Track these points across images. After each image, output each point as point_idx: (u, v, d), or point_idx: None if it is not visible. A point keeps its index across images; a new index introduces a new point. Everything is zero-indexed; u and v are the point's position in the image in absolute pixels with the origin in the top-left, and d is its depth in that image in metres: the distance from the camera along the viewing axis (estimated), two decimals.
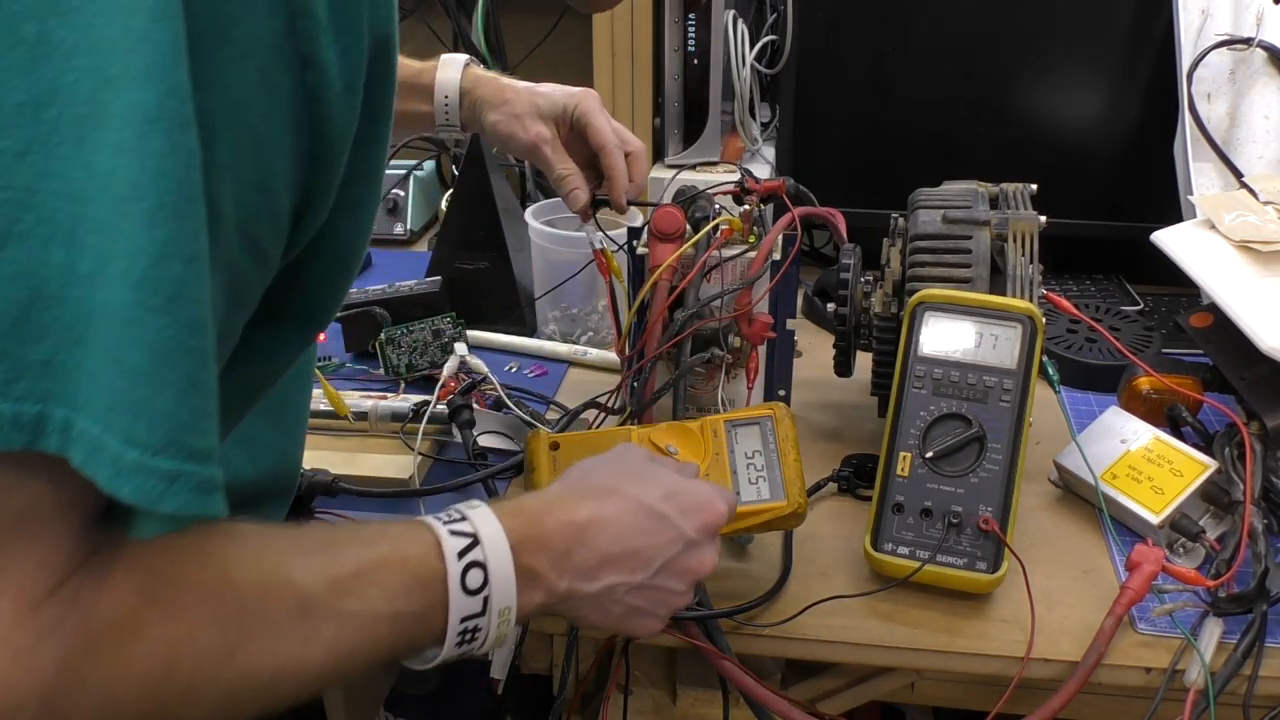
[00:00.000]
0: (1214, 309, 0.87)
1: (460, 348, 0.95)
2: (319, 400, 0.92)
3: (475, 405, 0.87)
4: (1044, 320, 0.75)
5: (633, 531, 0.58)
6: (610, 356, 0.99)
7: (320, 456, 0.89)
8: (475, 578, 0.51)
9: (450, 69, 0.90)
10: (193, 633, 0.43)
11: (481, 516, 0.53)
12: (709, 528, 0.61)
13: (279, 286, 0.48)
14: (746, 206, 0.86)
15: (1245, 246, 0.85)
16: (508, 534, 0.53)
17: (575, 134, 0.89)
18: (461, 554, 0.51)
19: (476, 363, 0.91)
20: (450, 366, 0.92)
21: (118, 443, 0.37)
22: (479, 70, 0.91)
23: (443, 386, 0.90)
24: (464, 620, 0.51)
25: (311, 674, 0.47)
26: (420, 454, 0.89)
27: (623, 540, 0.57)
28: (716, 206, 0.86)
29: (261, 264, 0.46)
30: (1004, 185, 0.87)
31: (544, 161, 0.89)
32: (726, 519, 0.63)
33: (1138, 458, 0.82)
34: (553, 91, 0.90)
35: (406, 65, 0.87)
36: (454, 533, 0.51)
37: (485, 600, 0.51)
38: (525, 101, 0.88)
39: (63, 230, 0.37)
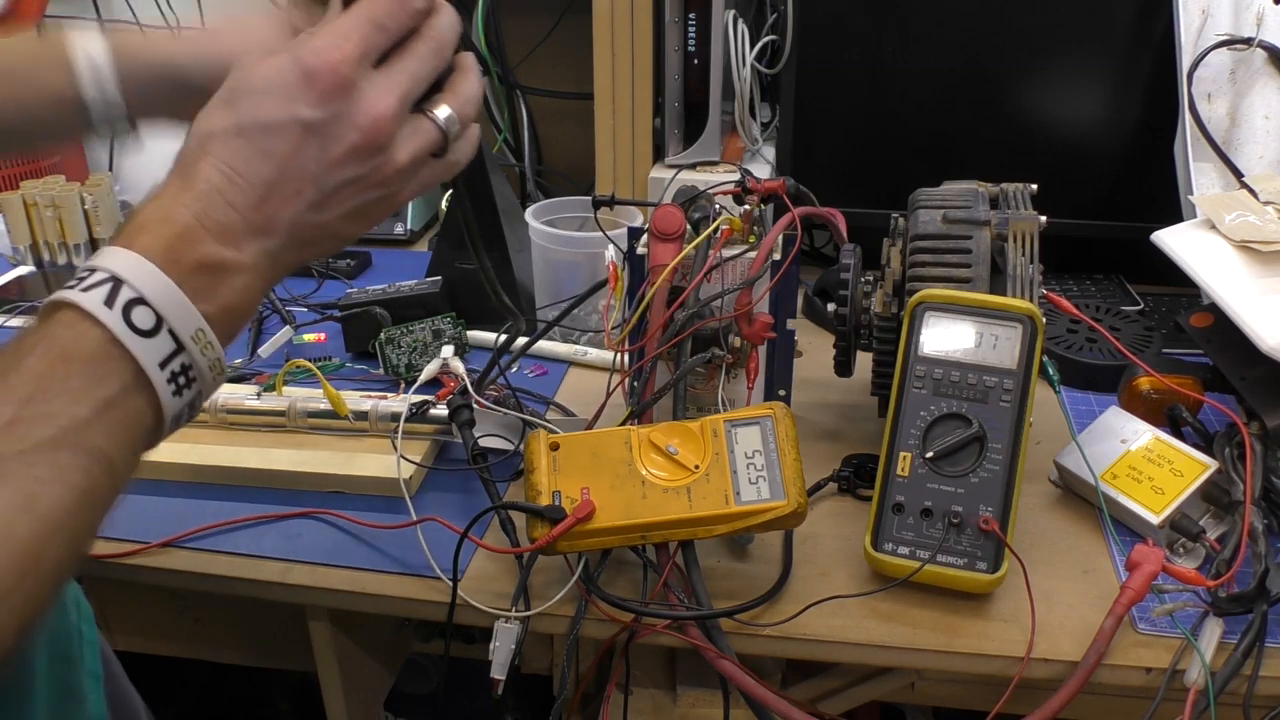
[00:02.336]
0: (1214, 309, 0.87)
1: (447, 350, 0.95)
2: (319, 400, 0.92)
3: (475, 405, 0.87)
4: (1044, 320, 0.75)
5: (254, 161, 0.49)
6: (610, 356, 0.99)
7: (320, 457, 0.89)
8: (143, 317, 0.45)
9: (85, 36, 0.67)
10: None
11: (110, 253, 0.46)
12: (324, 92, 0.49)
13: None
14: (746, 206, 0.86)
15: (1245, 246, 0.85)
16: (147, 253, 0.46)
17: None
18: (109, 301, 0.44)
19: (457, 366, 0.91)
20: (430, 369, 0.92)
21: None
22: (131, 33, 0.72)
23: (443, 387, 0.90)
24: (163, 366, 0.45)
25: (68, 513, 0.41)
26: (407, 456, 0.89)
27: (253, 174, 0.49)
28: (716, 206, 0.86)
29: None
30: (1004, 185, 0.87)
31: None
32: (336, 59, 0.49)
33: (1138, 458, 0.82)
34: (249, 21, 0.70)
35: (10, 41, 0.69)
36: (89, 288, 0.44)
37: (170, 333, 0.45)
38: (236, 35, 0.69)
39: None
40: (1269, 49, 1.06)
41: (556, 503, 0.71)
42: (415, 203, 1.44)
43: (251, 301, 0.50)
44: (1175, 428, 0.88)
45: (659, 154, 1.28)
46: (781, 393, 0.91)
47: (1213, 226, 0.88)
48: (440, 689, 1.22)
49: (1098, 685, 0.68)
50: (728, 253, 0.84)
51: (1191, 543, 0.77)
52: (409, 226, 1.43)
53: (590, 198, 0.94)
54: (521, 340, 1.11)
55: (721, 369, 0.86)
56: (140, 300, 0.45)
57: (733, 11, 1.21)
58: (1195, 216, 0.93)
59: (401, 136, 0.53)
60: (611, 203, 0.93)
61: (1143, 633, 0.71)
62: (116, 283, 0.45)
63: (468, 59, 0.58)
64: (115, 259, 0.45)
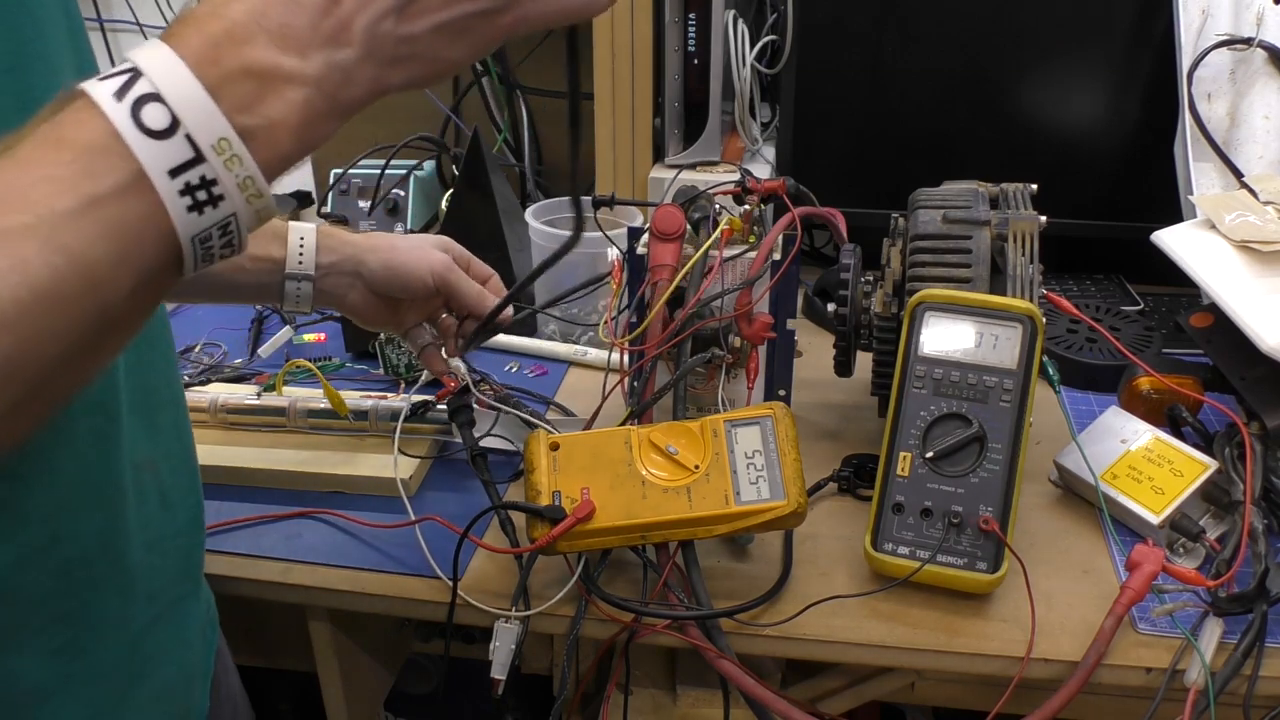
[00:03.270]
0: (1214, 309, 0.87)
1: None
2: (319, 400, 0.92)
3: (475, 405, 0.87)
4: (1044, 320, 0.75)
5: None
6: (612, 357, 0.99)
7: (320, 457, 0.89)
8: (155, 115, 0.39)
9: (303, 222, 0.82)
10: None
11: (143, 47, 0.41)
12: None
13: None
14: (746, 206, 0.86)
15: (1245, 246, 0.85)
16: (180, 49, 0.40)
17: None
18: (120, 94, 0.39)
19: (457, 365, 0.91)
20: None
21: None
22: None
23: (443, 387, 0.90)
24: (174, 174, 0.40)
25: (22, 311, 0.37)
26: (408, 454, 0.89)
27: None
28: (716, 206, 0.86)
29: None
30: (1004, 185, 0.87)
31: (452, 286, 0.83)
32: None
33: (1138, 458, 0.82)
34: (416, 236, 0.87)
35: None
36: (106, 78, 0.40)
37: (188, 138, 0.39)
38: (410, 240, 0.84)
39: None
40: (1269, 49, 1.06)
41: (556, 503, 0.71)
42: (415, 202, 1.44)
43: (311, 121, 0.43)
44: (1175, 428, 0.88)
45: (659, 154, 1.28)
46: (781, 393, 0.91)
47: (1213, 226, 0.88)
48: (440, 689, 1.22)
49: (1098, 685, 0.68)
50: (728, 253, 0.84)
51: (1191, 543, 0.77)
52: (409, 226, 1.43)
53: (590, 197, 0.94)
54: (522, 340, 1.11)
55: (721, 369, 0.86)
56: (155, 97, 0.39)
57: (733, 11, 1.21)
58: (1195, 216, 0.93)
59: None
60: (611, 202, 0.93)
61: (1143, 633, 0.71)
62: (135, 75, 0.39)
63: None
64: (145, 53, 0.40)
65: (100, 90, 0.39)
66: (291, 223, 0.80)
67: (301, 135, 0.42)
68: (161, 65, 0.40)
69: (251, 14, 0.41)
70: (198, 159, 0.40)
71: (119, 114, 0.39)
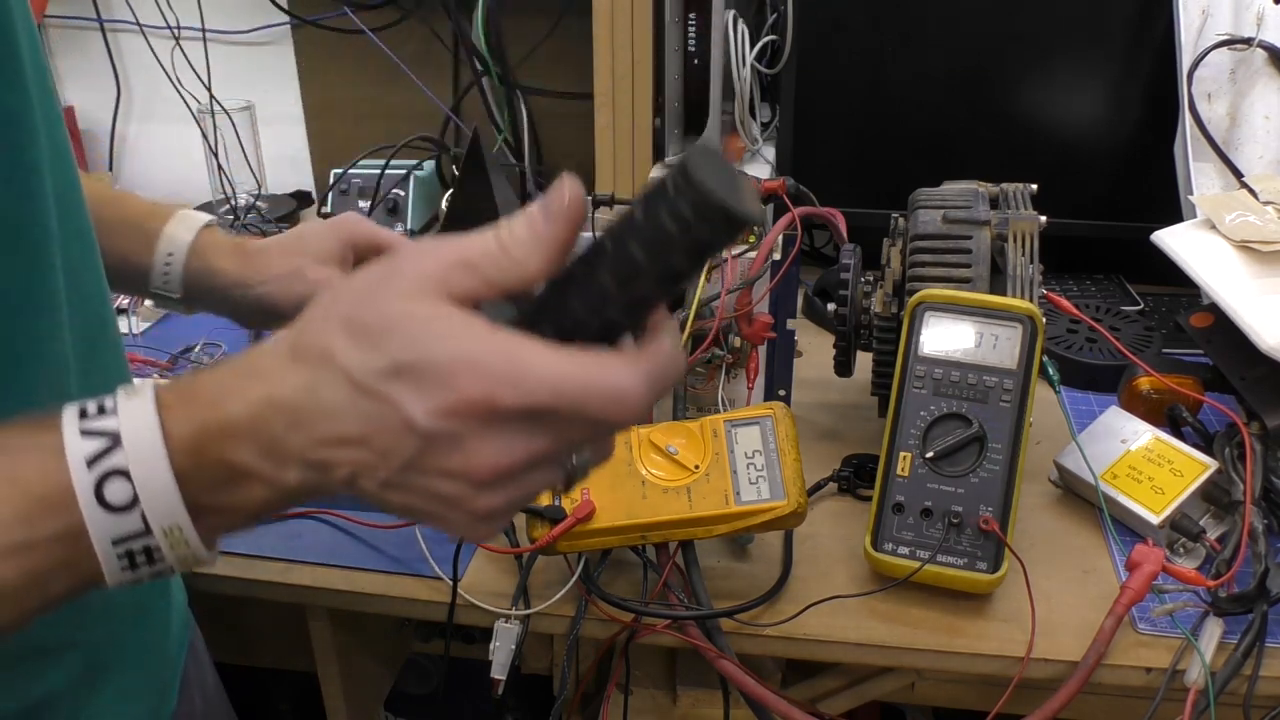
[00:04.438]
0: (1214, 309, 0.87)
1: None
2: None
3: None
4: (1044, 320, 0.75)
5: (349, 415, 0.41)
6: None
7: None
8: (119, 491, 0.39)
9: (183, 225, 0.73)
10: None
11: (134, 408, 0.40)
12: (455, 411, 0.40)
13: None
14: None
15: (1245, 246, 0.85)
16: (170, 428, 0.40)
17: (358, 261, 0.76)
18: (93, 461, 0.39)
19: None
20: None
21: None
22: (221, 235, 0.76)
23: None
24: (118, 544, 0.40)
25: None
26: None
27: (339, 424, 0.41)
28: None
29: None
30: (1004, 185, 0.87)
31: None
32: (495, 396, 0.40)
33: (1138, 458, 0.82)
34: (308, 233, 0.77)
35: (137, 202, 0.74)
36: (87, 432, 0.40)
37: (142, 517, 0.40)
38: (288, 255, 0.75)
39: None
40: (1269, 49, 1.06)
41: (556, 503, 0.71)
42: (415, 202, 1.44)
43: (264, 512, 0.43)
44: (1175, 428, 0.88)
45: (659, 154, 1.28)
46: (781, 393, 0.91)
47: (1213, 226, 0.88)
48: (440, 689, 1.22)
49: (1098, 685, 0.68)
50: (727, 253, 0.84)
51: (1191, 543, 0.77)
52: (409, 226, 1.43)
53: (590, 197, 0.94)
54: None
55: (721, 369, 0.86)
56: (124, 474, 0.39)
57: (733, 11, 1.21)
58: (1195, 216, 0.93)
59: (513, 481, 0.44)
60: (611, 202, 0.93)
61: (1143, 633, 0.71)
62: (114, 444, 0.40)
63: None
64: (134, 416, 0.40)
65: (75, 448, 0.39)
66: (166, 229, 0.73)
67: (252, 521, 0.43)
68: (143, 443, 0.40)
69: (251, 419, 0.41)
70: (145, 532, 0.40)
71: (83, 482, 0.39)
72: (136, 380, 0.43)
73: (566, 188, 0.41)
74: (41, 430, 0.40)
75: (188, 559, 0.41)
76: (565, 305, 0.42)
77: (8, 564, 0.39)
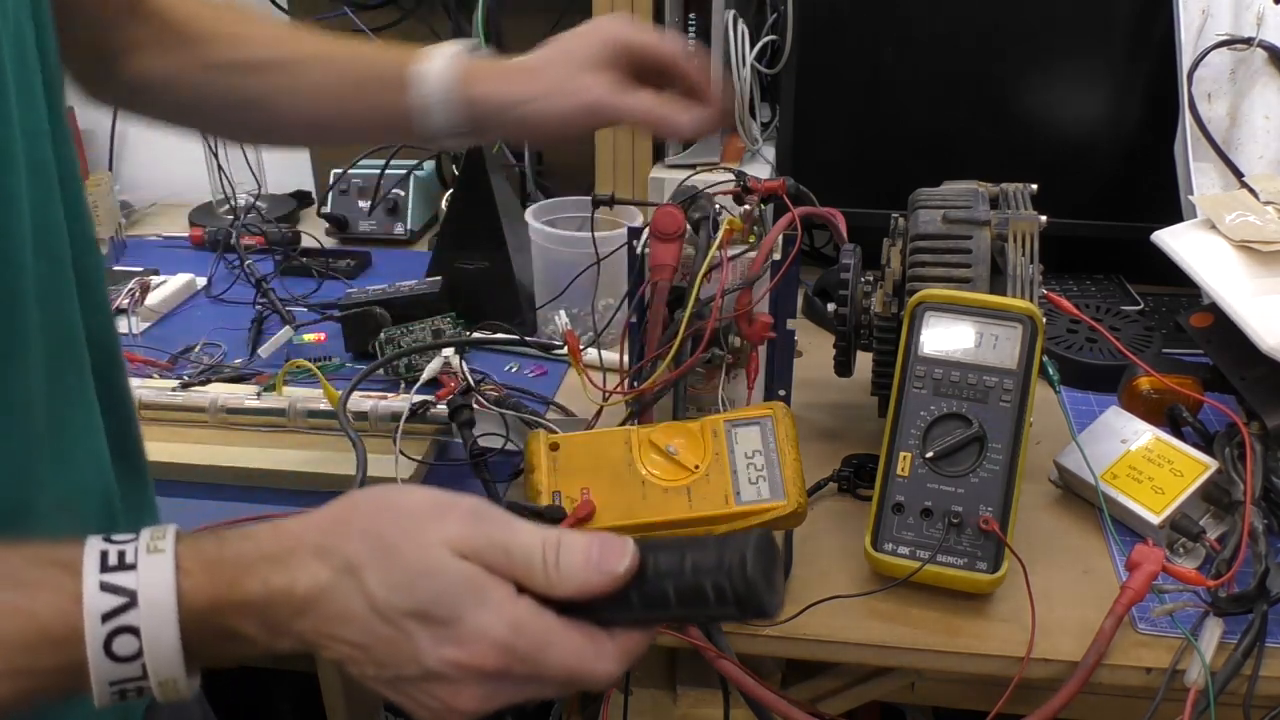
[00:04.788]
0: (1214, 309, 0.87)
1: (448, 349, 0.95)
2: (319, 400, 0.92)
3: (475, 405, 0.87)
4: (1044, 320, 0.75)
5: (359, 627, 0.44)
6: (610, 356, 0.99)
7: (320, 457, 0.89)
8: (126, 644, 0.42)
9: (437, 60, 0.71)
10: None
11: (154, 567, 0.43)
12: (470, 670, 0.44)
13: None
14: (746, 206, 0.86)
15: (1245, 246, 0.85)
16: (185, 597, 0.43)
17: (629, 67, 0.72)
18: (108, 617, 0.42)
19: (458, 365, 0.91)
20: (431, 369, 0.92)
21: None
22: (476, 60, 0.73)
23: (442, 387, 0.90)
24: (115, 684, 0.43)
25: None
26: (408, 454, 0.89)
27: (346, 630, 0.44)
28: (717, 206, 0.86)
29: None
30: (1004, 185, 0.87)
31: (614, 113, 0.72)
32: (509, 669, 0.44)
33: (1138, 458, 0.82)
34: (572, 43, 0.74)
35: (376, 52, 0.74)
36: (106, 586, 0.42)
37: (143, 667, 0.43)
38: (554, 67, 0.73)
39: None
40: (1269, 49, 1.06)
41: (556, 503, 0.71)
42: (415, 202, 1.44)
43: (248, 659, 0.47)
44: (1175, 428, 0.88)
45: (659, 154, 1.28)
46: (781, 393, 0.90)
47: (1213, 226, 0.88)
48: None
49: (1098, 685, 0.68)
50: (727, 253, 0.84)
51: (1192, 543, 0.77)
52: (409, 226, 1.43)
53: (590, 197, 0.94)
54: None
55: (721, 369, 0.86)
56: (135, 632, 0.42)
57: (733, 11, 1.21)
58: (1195, 216, 0.93)
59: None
60: (611, 202, 0.93)
61: (1143, 633, 0.71)
62: (131, 603, 0.42)
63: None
64: (154, 581, 0.43)
65: (93, 601, 0.42)
66: (419, 67, 0.70)
67: (234, 663, 0.46)
68: (157, 607, 0.42)
69: (265, 602, 0.44)
70: (142, 678, 0.43)
71: (95, 632, 0.42)
72: (160, 529, 0.45)
73: (629, 554, 0.45)
74: (63, 570, 0.43)
75: (172, 695, 0.44)
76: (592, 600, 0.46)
77: (3, 684, 0.41)
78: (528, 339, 1.01)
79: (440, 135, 0.72)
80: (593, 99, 0.71)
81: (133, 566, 0.43)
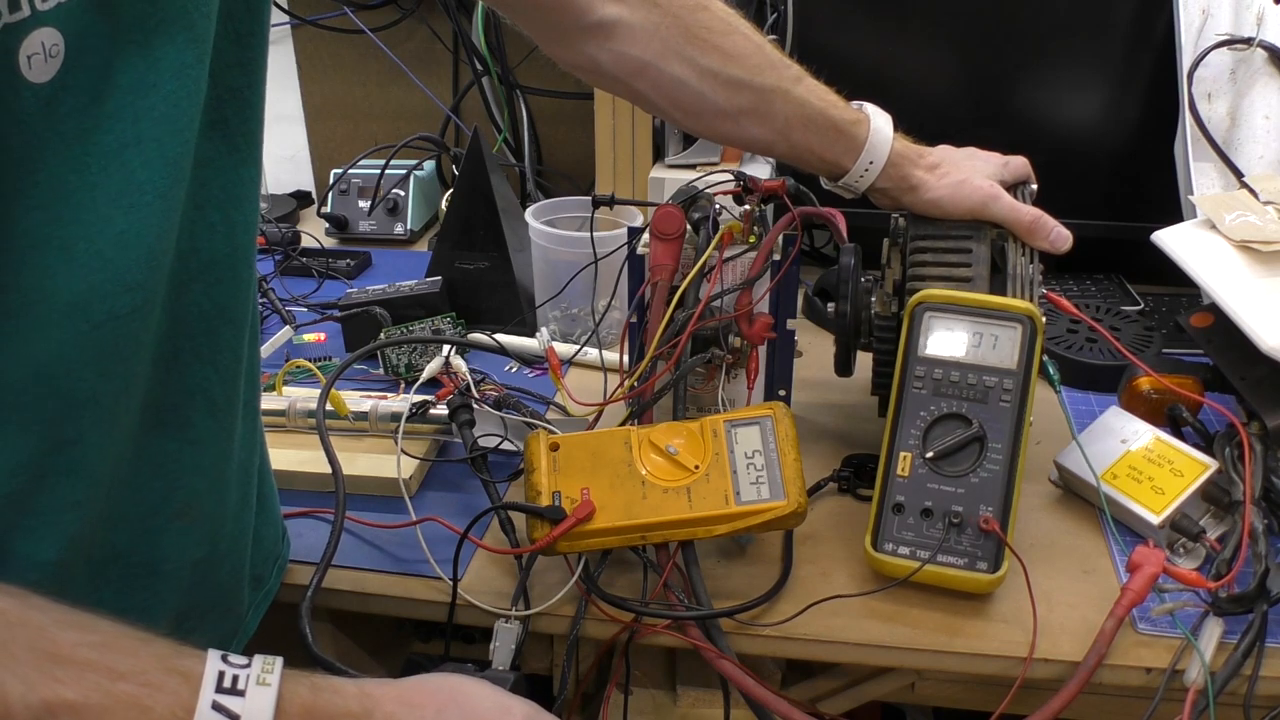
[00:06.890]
0: (1214, 309, 0.87)
1: (448, 348, 0.95)
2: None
3: (475, 405, 0.87)
4: (1044, 320, 0.75)
5: None
6: (610, 356, 0.99)
7: (320, 457, 0.89)
8: None
9: (879, 136, 0.83)
10: None
11: (259, 697, 0.48)
12: None
13: None
14: (746, 206, 0.86)
15: (1245, 246, 0.85)
16: None
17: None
18: None
19: (459, 364, 0.91)
20: (431, 369, 0.92)
21: None
22: (904, 143, 0.85)
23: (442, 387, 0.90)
24: None
25: None
26: (408, 454, 0.89)
27: None
28: (717, 206, 0.86)
29: None
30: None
31: (998, 214, 0.83)
32: None
33: (1138, 458, 0.82)
34: (978, 153, 0.90)
35: (832, 101, 0.84)
36: (217, 707, 0.47)
37: None
38: (959, 167, 0.86)
39: None
40: (1269, 49, 1.06)
41: (556, 503, 0.71)
42: (415, 202, 1.44)
43: None
44: (1175, 428, 0.88)
45: (659, 154, 1.28)
46: (781, 393, 0.90)
47: (1213, 226, 0.88)
48: None
49: (1097, 685, 0.68)
50: (728, 253, 0.84)
51: (1192, 543, 0.77)
52: (409, 226, 1.43)
53: (590, 197, 0.94)
54: (522, 340, 1.11)
55: (721, 369, 0.86)
56: None
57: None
58: (1195, 216, 0.93)
59: None
60: (611, 202, 0.93)
61: (1143, 632, 0.71)
62: None
63: None
64: (259, 702, 0.47)
65: (203, 718, 0.46)
66: (869, 141, 0.83)
67: None
68: None
69: None
70: None
71: None
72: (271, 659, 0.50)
73: None
74: (183, 680, 0.47)
75: None
76: None
77: None
78: (509, 350, 1.01)
79: (847, 190, 0.86)
80: (979, 203, 0.83)
81: (242, 693, 0.47)
